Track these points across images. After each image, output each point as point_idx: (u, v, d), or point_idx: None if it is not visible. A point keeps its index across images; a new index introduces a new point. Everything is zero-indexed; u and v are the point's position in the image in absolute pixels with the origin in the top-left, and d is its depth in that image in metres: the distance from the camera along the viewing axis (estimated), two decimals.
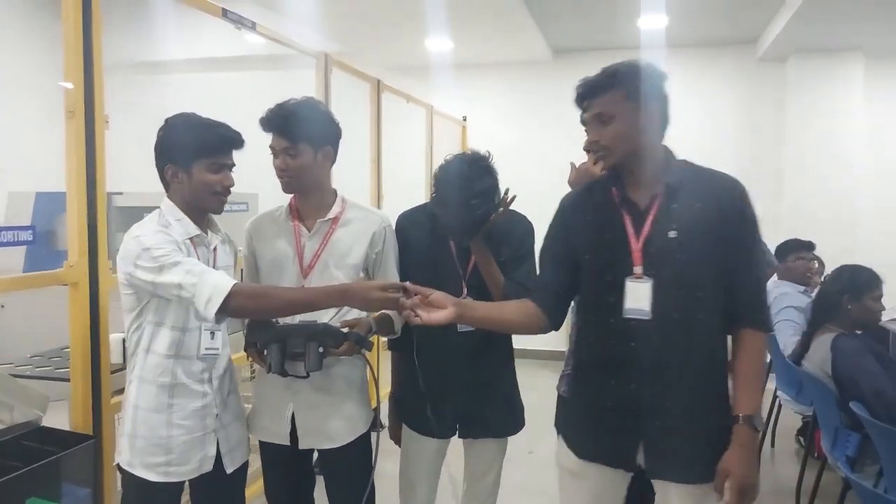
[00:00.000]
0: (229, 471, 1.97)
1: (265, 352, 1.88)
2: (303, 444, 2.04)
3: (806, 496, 3.23)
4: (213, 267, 1.88)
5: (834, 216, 5.76)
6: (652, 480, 1.71)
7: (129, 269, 1.79)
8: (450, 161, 2.04)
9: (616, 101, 1.62)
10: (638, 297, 1.63)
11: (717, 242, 1.61)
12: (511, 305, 1.86)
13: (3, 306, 4.06)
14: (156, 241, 1.78)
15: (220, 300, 1.70)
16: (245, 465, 2.06)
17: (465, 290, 2.11)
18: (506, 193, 2.03)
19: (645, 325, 1.63)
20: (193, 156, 1.86)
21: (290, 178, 2.00)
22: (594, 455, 1.74)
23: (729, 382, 1.68)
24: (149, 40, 5.39)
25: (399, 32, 5.76)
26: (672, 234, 1.62)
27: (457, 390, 2.13)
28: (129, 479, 1.88)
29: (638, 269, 1.63)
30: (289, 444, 2.04)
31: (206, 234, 1.95)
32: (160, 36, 5.26)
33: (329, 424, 2.03)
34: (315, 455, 2.14)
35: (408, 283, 1.74)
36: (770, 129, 6.19)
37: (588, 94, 1.67)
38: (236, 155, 1.96)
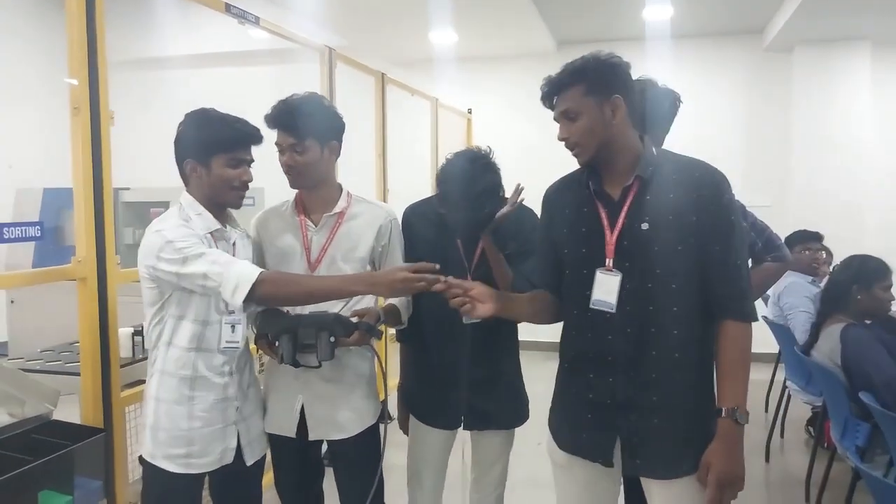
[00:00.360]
0: (249, 463, 1.98)
1: (276, 343, 1.89)
2: (312, 436, 2.05)
3: (815, 487, 3.22)
4: None
5: (842, 206, 5.73)
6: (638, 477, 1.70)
7: (151, 263, 1.80)
8: (451, 160, 2.04)
9: (577, 96, 1.62)
10: (606, 289, 1.63)
11: (692, 233, 1.58)
12: (541, 296, 1.86)
13: (13, 302, 4.08)
14: (178, 235, 1.79)
15: (248, 288, 1.72)
16: (263, 458, 2.08)
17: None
18: (516, 188, 2.03)
19: (619, 317, 1.62)
20: (212, 151, 1.87)
21: (298, 175, 2.01)
22: (575, 449, 1.74)
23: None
24: (153, 36, 5.41)
25: (403, 26, 5.76)
26: (644, 226, 1.60)
27: (464, 382, 2.13)
28: (151, 471, 1.90)
29: (609, 262, 1.63)
30: (295, 436, 2.05)
31: (226, 228, 1.96)
32: (164, 32, 5.27)
33: (338, 416, 2.04)
34: (324, 447, 2.15)
35: (450, 278, 1.75)
36: (776, 119, 6.16)
37: (552, 92, 1.66)
38: None
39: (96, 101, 2.19)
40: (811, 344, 3.21)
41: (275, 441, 2.11)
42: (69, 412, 2.25)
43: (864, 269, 3.04)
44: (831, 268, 3.91)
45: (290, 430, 2.05)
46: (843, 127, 5.91)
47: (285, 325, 1.89)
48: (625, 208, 1.63)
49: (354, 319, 1.90)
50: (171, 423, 1.87)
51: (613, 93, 1.61)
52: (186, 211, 1.90)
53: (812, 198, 5.82)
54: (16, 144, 5.42)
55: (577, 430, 1.73)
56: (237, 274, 1.74)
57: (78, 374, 2.26)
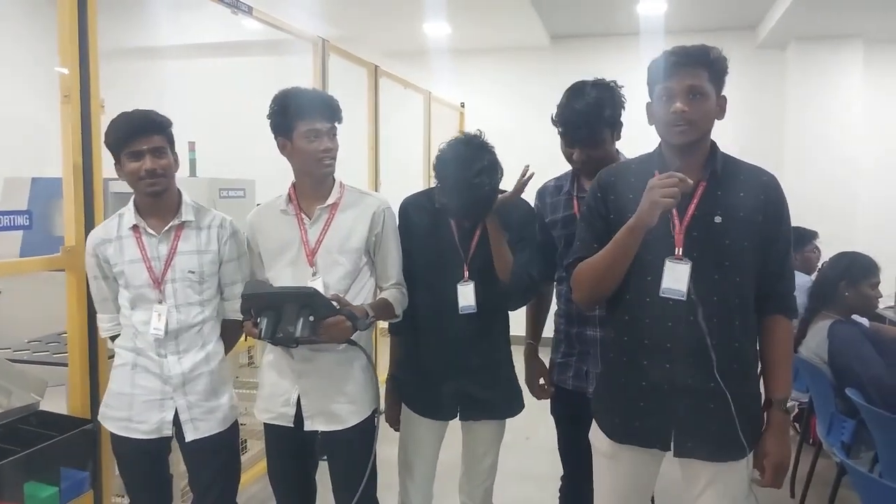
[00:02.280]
0: (188, 439, 2.06)
1: (259, 319, 1.88)
2: (308, 426, 2.05)
3: (801, 483, 3.25)
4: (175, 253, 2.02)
5: (833, 203, 5.75)
6: (679, 459, 1.73)
7: None
8: (445, 147, 2.05)
9: (705, 79, 1.65)
10: (676, 277, 1.65)
11: (758, 232, 1.67)
12: None
13: (0, 292, 4.05)
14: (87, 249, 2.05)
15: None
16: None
17: (467, 273, 2.12)
18: (524, 171, 2.06)
19: (682, 305, 1.65)
20: (118, 149, 1.95)
21: (332, 160, 2.04)
22: (627, 437, 1.76)
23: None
24: (145, 25, 5.36)
25: (397, 17, 5.73)
26: (717, 219, 1.66)
27: (458, 373, 2.14)
28: None
29: (678, 251, 1.66)
30: (293, 425, 2.05)
31: (149, 221, 2.02)
32: (156, 21, 5.23)
33: (334, 407, 2.04)
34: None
35: None
36: (769, 115, 6.17)
37: (684, 62, 1.65)
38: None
39: (87, 89, 2.18)
40: (798, 340, 3.23)
41: (269, 430, 2.11)
42: (58, 403, 2.24)
43: (853, 266, 3.05)
44: (821, 264, 3.94)
45: (286, 420, 2.05)
46: (835, 124, 5.93)
47: (269, 298, 1.89)
48: (695, 200, 1.68)
49: (337, 305, 1.90)
50: None
51: (721, 91, 1.69)
52: (124, 208, 2.04)
53: (804, 195, 5.81)
54: (4, 133, 5.37)
55: (629, 419, 1.75)
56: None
57: (65, 365, 2.26)
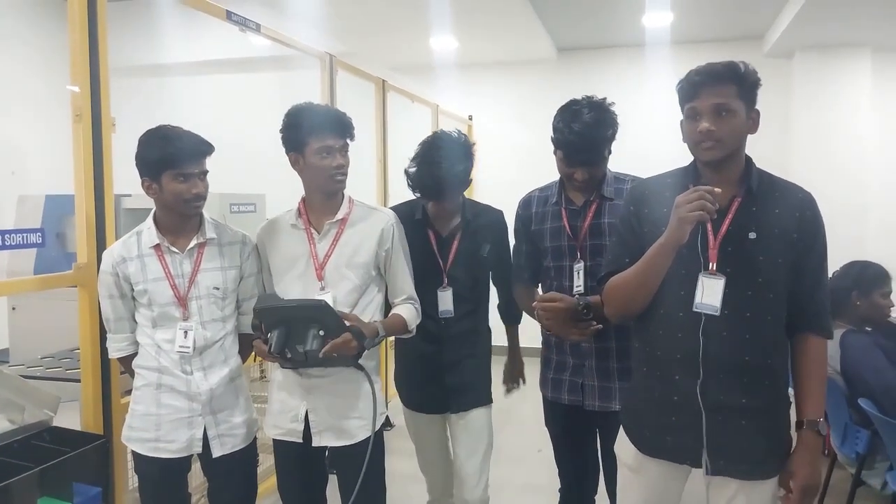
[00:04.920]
0: (215, 455, 2.07)
1: (269, 334, 1.89)
2: (316, 442, 2.06)
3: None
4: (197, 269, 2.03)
5: (842, 213, 5.69)
6: (708, 477, 1.71)
7: None
8: (413, 156, 2.29)
9: (733, 95, 1.63)
10: (710, 292, 1.65)
11: (793, 249, 1.66)
12: None
13: (14, 308, 4.08)
14: (103, 268, 2.07)
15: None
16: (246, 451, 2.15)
17: (446, 281, 2.29)
18: None
19: (715, 320, 1.64)
20: (161, 168, 1.96)
21: (344, 176, 2.05)
22: (657, 450, 1.75)
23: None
24: (155, 43, 5.42)
25: (403, 32, 5.77)
26: (752, 234, 1.65)
27: (443, 369, 2.33)
28: None
29: (713, 266, 1.66)
30: (301, 441, 2.06)
31: (173, 239, 2.03)
32: (166, 39, 5.29)
33: (343, 422, 2.05)
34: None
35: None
36: (777, 125, 6.13)
37: (709, 82, 1.64)
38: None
39: (98, 107, 2.20)
40: None
41: (279, 446, 2.12)
42: (71, 419, 2.25)
43: (864, 276, 3.04)
44: (831, 273, 3.91)
45: (295, 436, 2.06)
46: (843, 133, 5.90)
47: (280, 316, 1.89)
48: (730, 215, 1.67)
49: (347, 323, 1.90)
50: None
51: (754, 106, 1.67)
52: (141, 225, 2.04)
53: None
54: (19, 152, 5.44)
55: (660, 433, 1.74)
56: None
57: (78, 381, 2.27)
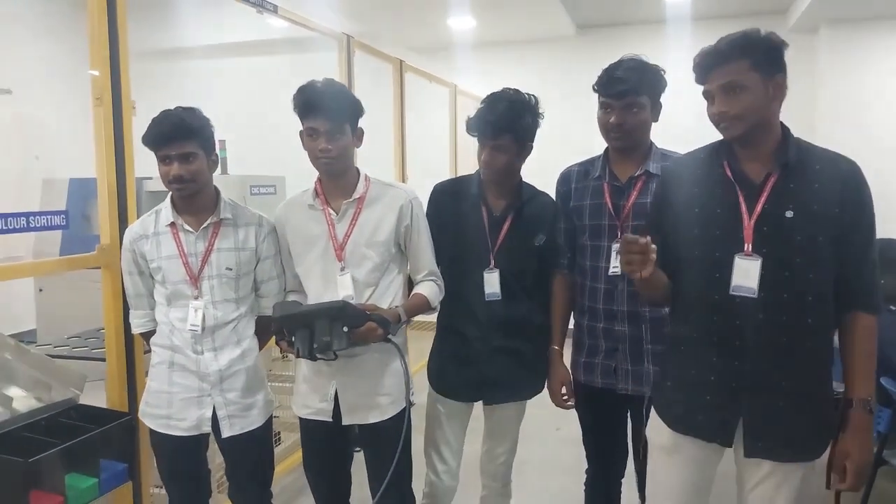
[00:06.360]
0: (224, 435, 2.09)
1: (293, 338, 1.90)
2: (346, 420, 2.07)
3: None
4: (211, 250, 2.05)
5: (874, 186, 5.60)
6: (740, 458, 1.70)
7: None
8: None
9: (742, 70, 1.57)
10: (746, 274, 1.60)
11: (836, 226, 1.58)
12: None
13: (41, 290, 4.16)
14: (124, 244, 2.10)
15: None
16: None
17: (493, 263, 2.15)
18: None
19: (752, 302, 1.60)
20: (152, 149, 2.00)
21: (334, 160, 1.99)
22: (690, 428, 1.72)
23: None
24: (174, 26, 5.44)
25: (421, 11, 5.73)
26: (789, 213, 1.59)
27: (481, 357, 2.17)
28: None
29: (748, 247, 1.61)
30: (332, 420, 2.07)
31: (186, 218, 2.05)
32: (184, 22, 5.31)
33: (373, 399, 2.06)
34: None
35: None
36: (801, 102, 6.00)
37: (712, 64, 1.61)
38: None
39: (118, 91, 2.23)
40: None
41: (307, 425, 2.14)
42: (98, 398, 2.30)
43: (887, 254, 2.99)
44: None
45: (325, 415, 2.08)
46: (870, 111, 5.77)
47: (300, 319, 1.89)
48: (765, 193, 1.61)
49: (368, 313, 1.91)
50: None
51: (777, 72, 1.59)
52: (161, 204, 2.08)
53: None
54: (43, 136, 5.51)
55: (692, 411, 1.71)
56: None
57: (103, 360, 2.31)
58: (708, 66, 1.62)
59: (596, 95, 2.12)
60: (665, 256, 1.70)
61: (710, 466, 1.77)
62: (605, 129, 2.08)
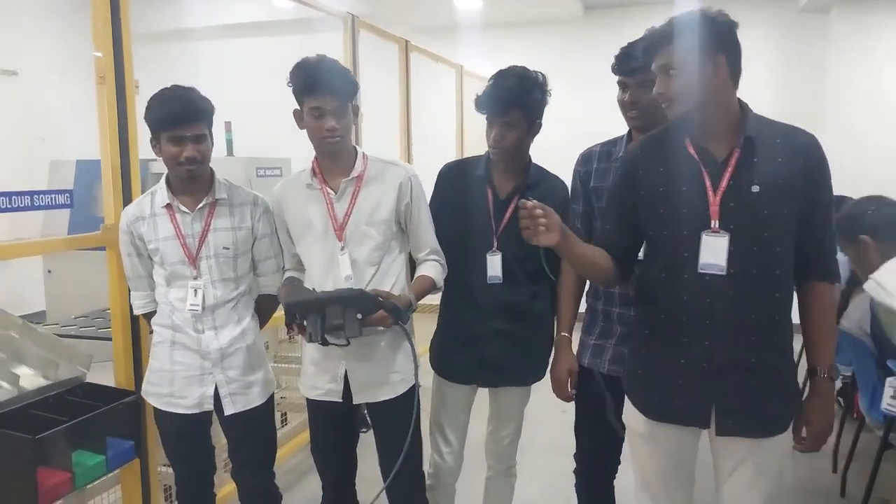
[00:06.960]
0: (227, 413, 2.11)
1: (304, 322, 1.88)
2: (357, 400, 2.07)
3: (843, 457, 3.20)
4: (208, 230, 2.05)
5: (879, 173, 5.50)
6: (714, 439, 1.70)
7: None
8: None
9: (680, 51, 1.59)
10: (714, 251, 1.60)
11: (800, 198, 1.60)
12: (600, 252, 1.81)
13: (49, 272, 4.19)
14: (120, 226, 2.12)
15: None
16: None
17: (496, 244, 2.13)
18: None
19: (721, 280, 1.60)
20: (157, 129, 1.99)
21: (339, 139, 1.97)
22: (665, 415, 1.72)
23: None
24: (177, 7, 5.42)
25: None
26: (754, 188, 1.59)
27: (483, 340, 2.16)
28: None
29: (714, 224, 1.60)
30: (341, 400, 2.07)
31: (181, 198, 2.04)
32: (188, 3, 5.28)
33: (383, 377, 2.06)
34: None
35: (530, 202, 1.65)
36: (811, 84, 5.97)
37: (652, 48, 1.64)
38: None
39: (121, 70, 2.22)
40: (840, 312, 3.16)
41: (315, 406, 2.14)
42: (106, 378, 2.32)
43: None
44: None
45: (335, 396, 2.07)
46: (882, 93, 5.70)
47: (312, 303, 1.87)
48: (729, 169, 1.61)
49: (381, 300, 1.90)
50: None
51: (718, 52, 1.59)
52: (156, 186, 2.07)
53: (848, 166, 5.62)
54: (50, 118, 5.52)
55: (667, 397, 1.70)
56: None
57: (110, 339, 2.33)
58: (652, 47, 1.65)
59: (604, 74, 2.09)
60: (626, 237, 1.78)
61: (691, 447, 1.76)
62: (623, 108, 2.06)
